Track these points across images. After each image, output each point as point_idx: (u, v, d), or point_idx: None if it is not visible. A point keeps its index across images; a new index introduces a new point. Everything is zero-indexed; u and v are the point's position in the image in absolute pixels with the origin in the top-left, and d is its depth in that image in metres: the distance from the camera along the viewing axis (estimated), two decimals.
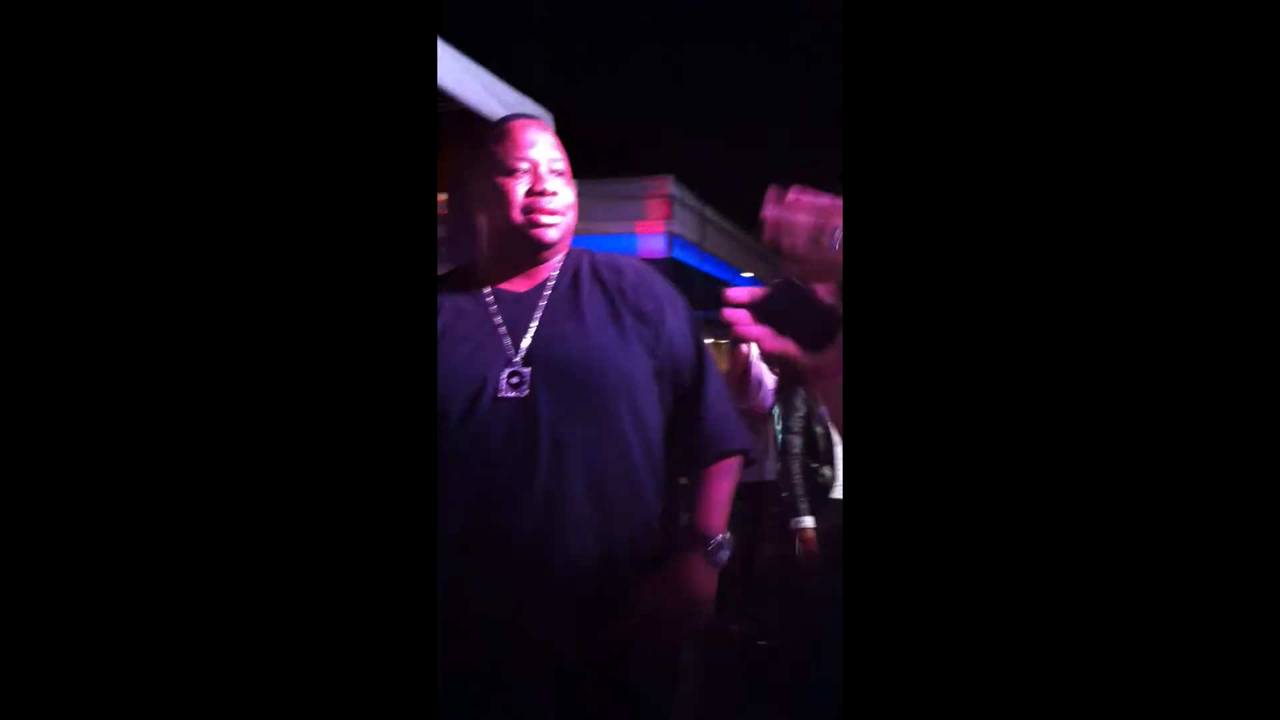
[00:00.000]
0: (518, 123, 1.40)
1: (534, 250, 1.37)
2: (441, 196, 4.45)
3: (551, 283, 1.40)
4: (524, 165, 1.34)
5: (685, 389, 1.41)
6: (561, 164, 1.37)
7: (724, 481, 1.42)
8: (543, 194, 1.33)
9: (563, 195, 1.36)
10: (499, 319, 1.37)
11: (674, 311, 1.41)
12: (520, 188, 1.34)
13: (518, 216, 1.35)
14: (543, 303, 1.38)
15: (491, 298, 1.39)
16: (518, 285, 1.40)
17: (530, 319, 1.36)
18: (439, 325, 1.38)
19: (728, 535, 1.34)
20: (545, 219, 1.34)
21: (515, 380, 1.32)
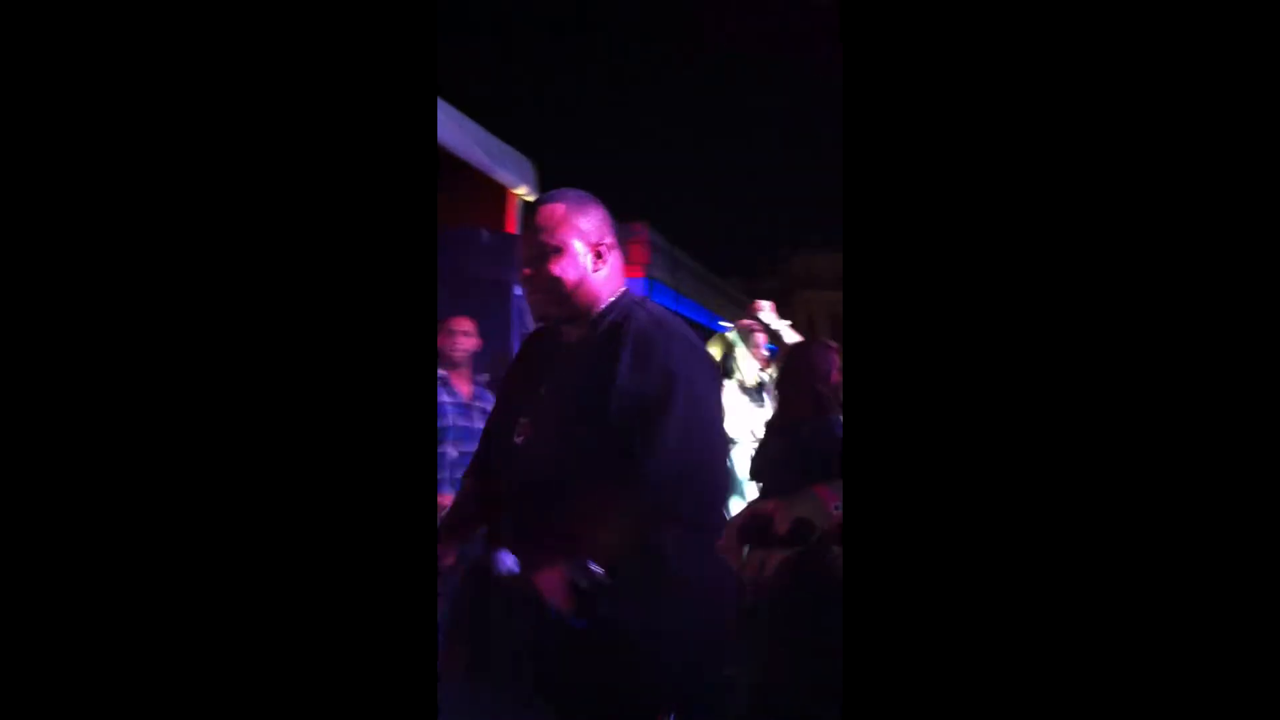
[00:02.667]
0: (535, 210, 1.58)
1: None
2: None
3: (580, 339, 1.59)
4: (524, 246, 1.56)
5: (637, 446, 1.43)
6: (546, 245, 1.53)
7: (615, 525, 1.39)
8: (524, 274, 1.56)
9: (539, 277, 1.53)
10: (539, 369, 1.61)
11: (649, 360, 1.48)
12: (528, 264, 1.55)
13: (522, 290, 1.62)
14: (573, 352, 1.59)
15: (553, 342, 1.65)
16: (568, 336, 1.62)
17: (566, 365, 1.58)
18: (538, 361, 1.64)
19: (600, 572, 1.33)
20: (529, 300, 1.60)
21: (518, 428, 1.54)
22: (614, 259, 1.60)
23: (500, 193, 4.78)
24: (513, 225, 4.79)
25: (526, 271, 1.55)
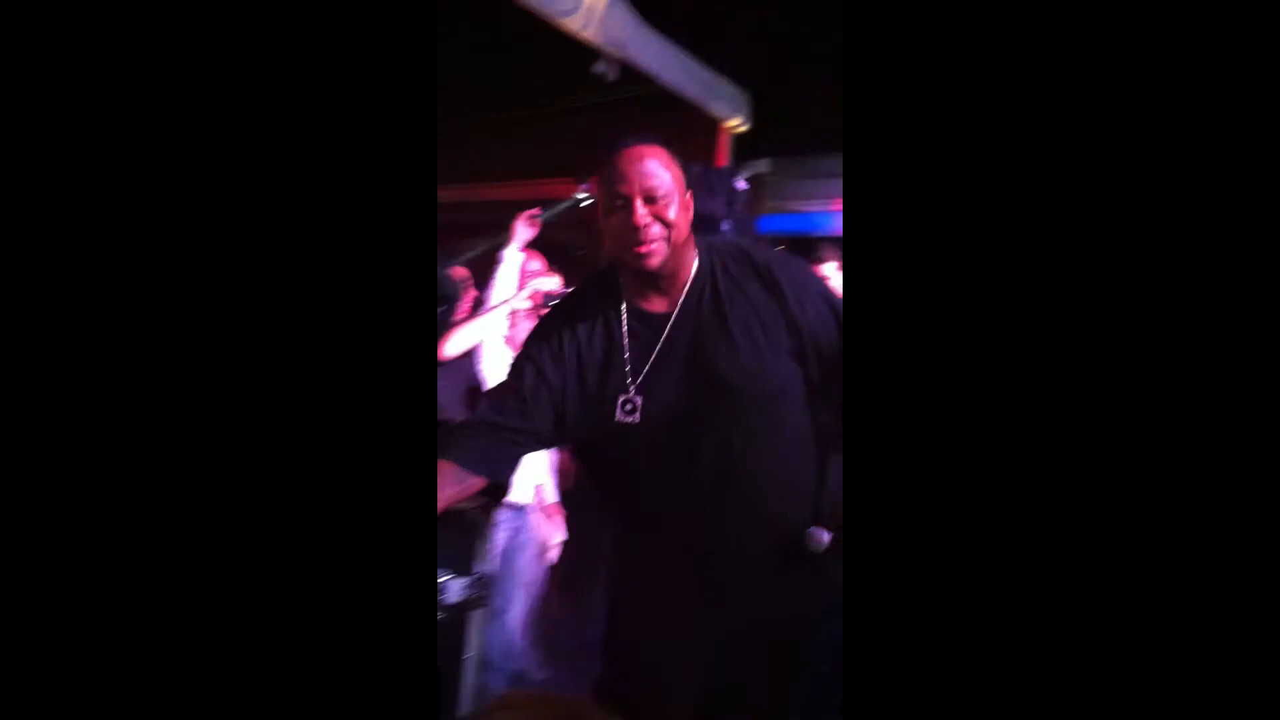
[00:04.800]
0: (621, 154, 1.39)
1: (644, 273, 1.40)
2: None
3: (679, 304, 1.43)
4: (620, 201, 1.36)
5: (829, 368, 1.42)
6: (660, 191, 1.36)
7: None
8: (636, 228, 1.35)
9: (659, 225, 1.36)
10: (626, 341, 1.44)
11: (808, 294, 1.43)
12: (620, 221, 1.37)
13: (617, 249, 1.40)
14: (668, 328, 1.43)
15: (626, 317, 1.46)
16: (653, 305, 1.45)
17: (656, 342, 1.43)
18: (576, 336, 1.46)
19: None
20: (643, 249, 1.37)
21: (629, 408, 1.41)
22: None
23: (712, 126, 4.76)
24: (723, 159, 4.76)
25: (646, 225, 1.35)
